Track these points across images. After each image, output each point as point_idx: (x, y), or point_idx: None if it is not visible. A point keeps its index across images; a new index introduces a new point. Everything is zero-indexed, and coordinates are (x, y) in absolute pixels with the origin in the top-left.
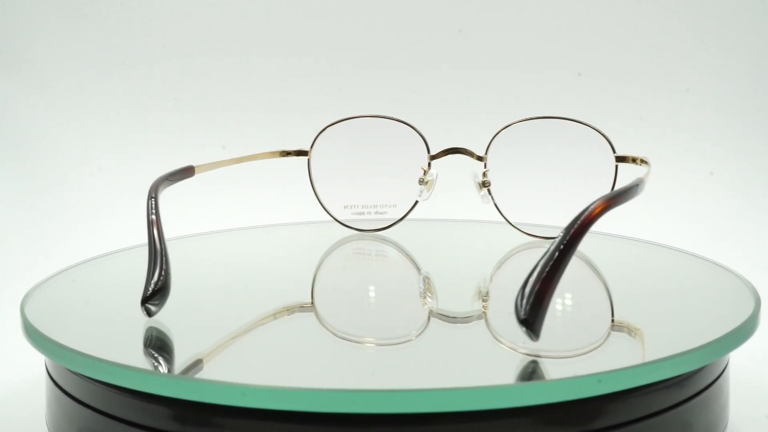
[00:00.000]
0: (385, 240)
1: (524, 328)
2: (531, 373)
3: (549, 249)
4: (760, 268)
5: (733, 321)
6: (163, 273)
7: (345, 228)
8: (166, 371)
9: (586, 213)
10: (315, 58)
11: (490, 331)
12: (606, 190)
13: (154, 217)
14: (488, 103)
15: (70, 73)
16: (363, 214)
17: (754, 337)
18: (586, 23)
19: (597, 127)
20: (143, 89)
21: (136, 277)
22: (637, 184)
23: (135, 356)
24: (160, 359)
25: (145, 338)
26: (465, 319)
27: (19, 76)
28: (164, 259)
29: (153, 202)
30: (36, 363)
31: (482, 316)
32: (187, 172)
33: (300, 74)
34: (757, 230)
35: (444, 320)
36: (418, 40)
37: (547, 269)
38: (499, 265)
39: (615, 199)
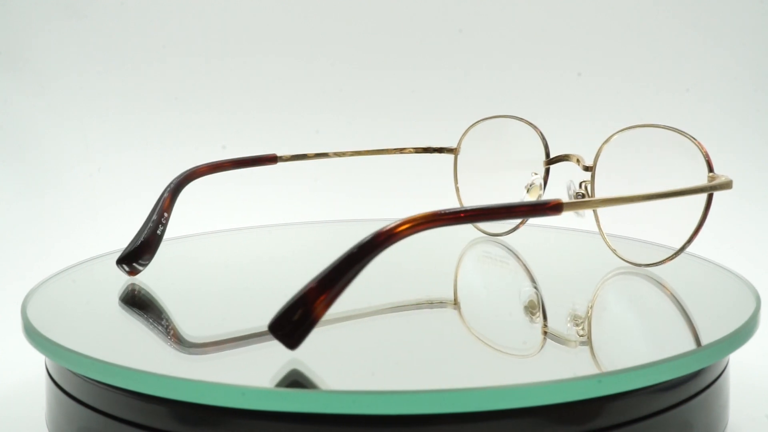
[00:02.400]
0: (502, 245)
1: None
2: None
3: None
4: (760, 268)
5: (734, 322)
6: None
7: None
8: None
9: (387, 229)
10: (315, 58)
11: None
12: (697, 213)
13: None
14: (488, 103)
15: (70, 73)
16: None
17: (754, 338)
18: (586, 23)
19: (699, 141)
20: (143, 89)
21: (136, 276)
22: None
23: (135, 356)
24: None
25: None
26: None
27: (19, 76)
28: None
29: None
30: (36, 363)
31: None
32: (270, 160)
33: (300, 74)
34: (757, 230)
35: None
36: (418, 40)
37: (317, 280)
38: (587, 288)
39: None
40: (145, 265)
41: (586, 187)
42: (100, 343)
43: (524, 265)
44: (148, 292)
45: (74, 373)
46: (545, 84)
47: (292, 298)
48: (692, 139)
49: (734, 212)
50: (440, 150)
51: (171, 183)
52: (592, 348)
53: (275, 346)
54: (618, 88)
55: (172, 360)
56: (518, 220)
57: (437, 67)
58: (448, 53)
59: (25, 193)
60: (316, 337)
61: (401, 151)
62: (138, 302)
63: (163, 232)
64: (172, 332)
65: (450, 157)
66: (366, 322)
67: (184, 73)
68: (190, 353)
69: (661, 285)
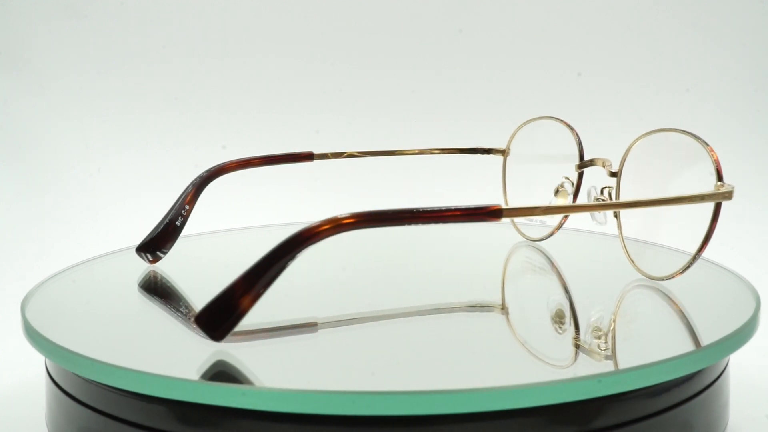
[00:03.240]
0: (538, 248)
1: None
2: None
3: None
4: (760, 268)
5: (734, 322)
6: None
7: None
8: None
9: (309, 228)
10: (315, 58)
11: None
12: (705, 222)
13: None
14: (488, 103)
15: (70, 73)
16: (531, 219)
17: (754, 338)
18: (586, 23)
19: (711, 148)
20: (143, 89)
21: (137, 277)
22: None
23: (135, 357)
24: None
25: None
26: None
27: (19, 76)
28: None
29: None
30: (36, 363)
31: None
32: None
33: (300, 74)
34: (757, 230)
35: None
36: (418, 40)
37: (242, 276)
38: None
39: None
40: (163, 255)
41: (609, 194)
42: (101, 343)
43: (557, 271)
44: (165, 281)
45: (74, 373)
46: (545, 84)
47: (220, 293)
48: (705, 145)
49: (734, 212)
50: (488, 151)
51: (198, 176)
52: (616, 360)
53: (278, 347)
54: (618, 88)
55: (173, 360)
56: (555, 224)
57: (437, 67)
58: (448, 53)
59: (25, 193)
60: (345, 333)
61: (444, 151)
62: (157, 291)
63: (182, 224)
64: (190, 314)
65: (478, 157)
66: (397, 323)
67: (184, 73)
68: (189, 354)
69: (661, 285)
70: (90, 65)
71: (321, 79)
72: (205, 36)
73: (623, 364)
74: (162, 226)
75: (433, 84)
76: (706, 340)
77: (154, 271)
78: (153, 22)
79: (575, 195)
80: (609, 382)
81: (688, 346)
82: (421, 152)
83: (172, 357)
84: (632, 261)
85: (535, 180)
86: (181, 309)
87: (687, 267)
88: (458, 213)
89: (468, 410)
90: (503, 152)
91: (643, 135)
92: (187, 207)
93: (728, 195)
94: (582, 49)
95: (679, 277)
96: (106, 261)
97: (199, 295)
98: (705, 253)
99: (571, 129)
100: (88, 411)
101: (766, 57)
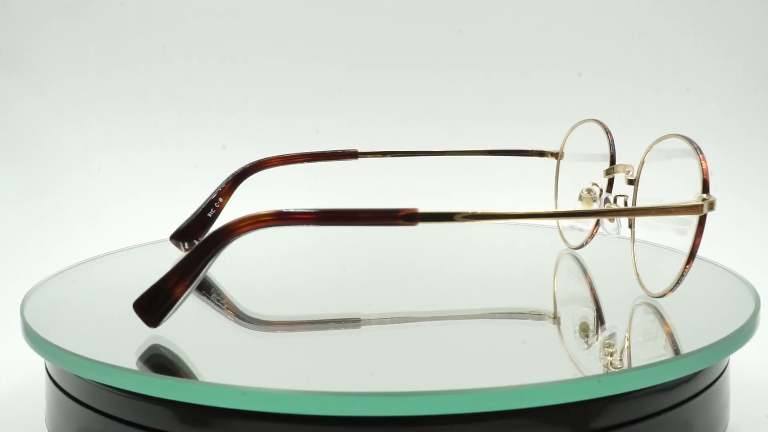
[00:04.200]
0: (576, 257)
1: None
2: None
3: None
4: (760, 268)
5: (734, 322)
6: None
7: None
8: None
9: (230, 224)
10: (315, 58)
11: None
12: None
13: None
14: (488, 103)
15: (70, 73)
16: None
17: (754, 338)
18: (586, 23)
19: (703, 157)
20: (143, 89)
21: (137, 277)
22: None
23: (135, 357)
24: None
25: None
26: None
27: (19, 76)
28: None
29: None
30: (36, 363)
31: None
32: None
33: (300, 74)
34: (757, 230)
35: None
36: (418, 40)
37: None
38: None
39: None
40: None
41: (625, 202)
42: (101, 343)
43: (588, 279)
44: None
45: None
46: (545, 84)
47: (155, 282)
48: (698, 153)
49: (734, 212)
50: (542, 153)
51: (238, 169)
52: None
53: (319, 340)
54: (618, 88)
55: (173, 360)
56: (588, 231)
57: (437, 67)
58: (448, 53)
59: (25, 193)
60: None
61: (493, 152)
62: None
63: (215, 215)
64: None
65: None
66: (424, 326)
67: (184, 73)
68: (189, 354)
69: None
70: (90, 65)
71: (321, 79)
72: (205, 36)
73: (623, 365)
74: (195, 216)
75: (433, 84)
76: (705, 340)
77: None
78: (153, 22)
79: (605, 202)
80: (609, 382)
81: (687, 347)
82: (467, 153)
83: (172, 357)
84: (638, 275)
85: (583, 183)
86: (212, 298)
87: (675, 285)
88: (370, 215)
89: (468, 411)
90: (557, 155)
91: (656, 141)
92: (220, 199)
93: (697, 209)
94: (582, 49)
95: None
96: (106, 261)
97: (229, 285)
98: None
99: (607, 132)
100: (88, 411)
101: (766, 57)
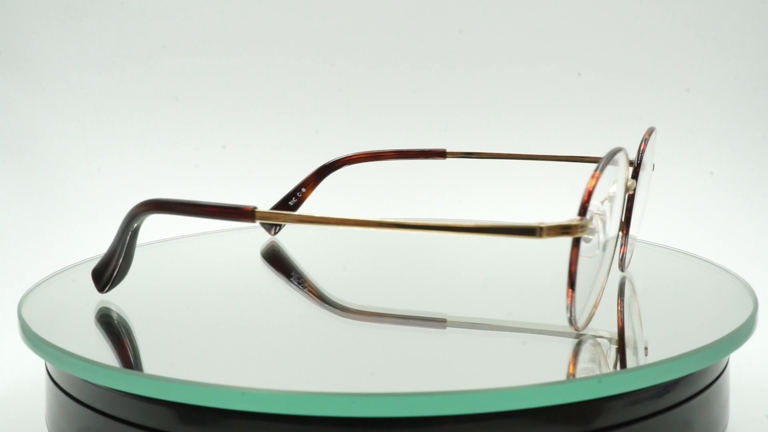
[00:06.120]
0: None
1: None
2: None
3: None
4: (759, 268)
5: (732, 322)
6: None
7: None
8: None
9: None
10: (315, 58)
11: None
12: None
13: None
14: (488, 103)
15: (70, 73)
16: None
17: (754, 338)
18: (586, 23)
19: (597, 176)
20: (143, 89)
21: (136, 277)
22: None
23: (135, 357)
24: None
25: None
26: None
27: (19, 76)
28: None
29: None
30: (36, 363)
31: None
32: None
33: (300, 74)
34: (756, 230)
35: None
36: (418, 40)
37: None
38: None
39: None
40: (279, 229)
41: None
42: (100, 344)
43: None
44: (284, 253)
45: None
46: (545, 84)
47: (103, 255)
48: (595, 171)
49: (734, 212)
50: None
51: (326, 162)
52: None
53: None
54: (618, 88)
55: (174, 361)
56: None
57: (437, 67)
58: (448, 53)
59: (25, 193)
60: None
61: (584, 159)
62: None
63: (296, 204)
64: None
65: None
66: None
67: (184, 73)
68: (189, 354)
69: (659, 285)
70: (90, 65)
71: (321, 79)
72: (205, 36)
73: (623, 365)
74: (277, 203)
75: (433, 84)
76: (704, 340)
77: (274, 242)
78: (153, 22)
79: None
80: (609, 382)
81: (686, 347)
82: (557, 159)
83: (172, 357)
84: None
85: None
86: (292, 279)
87: (569, 319)
88: (216, 210)
89: (468, 411)
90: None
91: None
92: (303, 189)
93: (533, 232)
94: (582, 49)
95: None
96: None
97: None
98: (704, 253)
99: (644, 143)
100: (88, 411)
101: (766, 57)
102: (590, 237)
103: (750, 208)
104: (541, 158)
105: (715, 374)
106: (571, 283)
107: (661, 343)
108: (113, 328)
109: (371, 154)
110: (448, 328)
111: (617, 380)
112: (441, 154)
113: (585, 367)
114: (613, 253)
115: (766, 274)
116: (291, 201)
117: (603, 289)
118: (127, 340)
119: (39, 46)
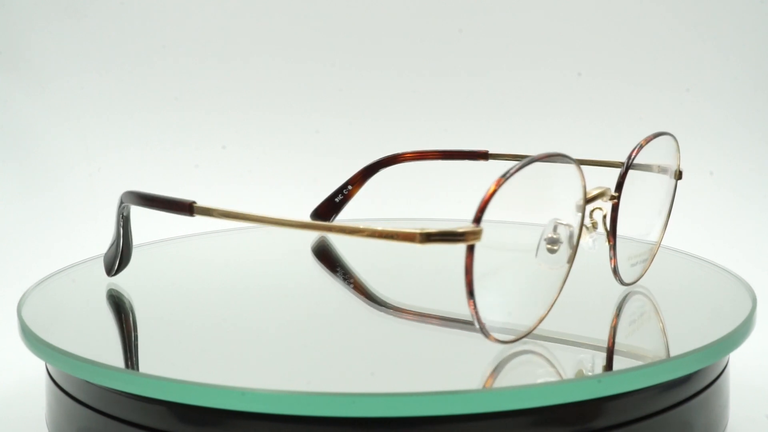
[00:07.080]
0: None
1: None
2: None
3: None
4: (759, 268)
5: (732, 322)
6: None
7: None
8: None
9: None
10: (315, 58)
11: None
12: None
13: None
14: (488, 103)
15: (70, 73)
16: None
17: (754, 337)
18: (586, 23)
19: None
20: (143, 89)
21: (136, 277)
22: None
23: (135, 357)
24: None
25: None
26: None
27: (19, 76)
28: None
29: None
30: (36, 363)
31: None
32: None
33: (300, 74)
34: (756, 230)
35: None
36: (418, 40)
37: None
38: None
39: None
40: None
41: (604, 218)
42: (100, 344)
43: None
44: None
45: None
46: (545, 84)
47: (109, 246)
48: (498, 181)
49: (734, 212)
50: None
51: (372, 162)
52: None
53: (293, 349)
54: (618, 88)
55: (173, 361)
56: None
57: (437, 67)
58: (448, 53)
59: (25, 193)
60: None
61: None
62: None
63: (342, 201)
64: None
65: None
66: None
67: (184, 73)
68: (188, 354)
69: (658, 285)
70: (90, 65)
71: (321, 79)
72: (205, 36)
73: (623, 365)
74: (325, 200)
75: (433, 84)
76: (704, 340)
77: (324, 238)
78: (153, 22)
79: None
80: (609, 382)
81: (686, 346)
82: (603, 164)
83: (172, 357)
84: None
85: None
86: (338, 275)
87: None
88: (159, 202)
89: (468, 411)
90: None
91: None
92: (350, 187)
93: (414, 237)
94: (582, 49)
95: (675, 277)
96: None
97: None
98: (704, 253)
99: (637, 148)
100: (88, 411)
101: (766, 57)
102: (554, 248)
103: (750, 208)
104: (583, 162)
105: (715, 374)
106: (470, 293)
107: (661, 343)
108: (113, 328)
109: (417, 154)
110: (448, 327)
111: (617, 380)
112: (483, 155)
113: (579, 370)
114: (570, 266)
115: (766, 274)
116: (337, 198)
117: (554, 301)
118: (127, 340)
119: (39, 46)
